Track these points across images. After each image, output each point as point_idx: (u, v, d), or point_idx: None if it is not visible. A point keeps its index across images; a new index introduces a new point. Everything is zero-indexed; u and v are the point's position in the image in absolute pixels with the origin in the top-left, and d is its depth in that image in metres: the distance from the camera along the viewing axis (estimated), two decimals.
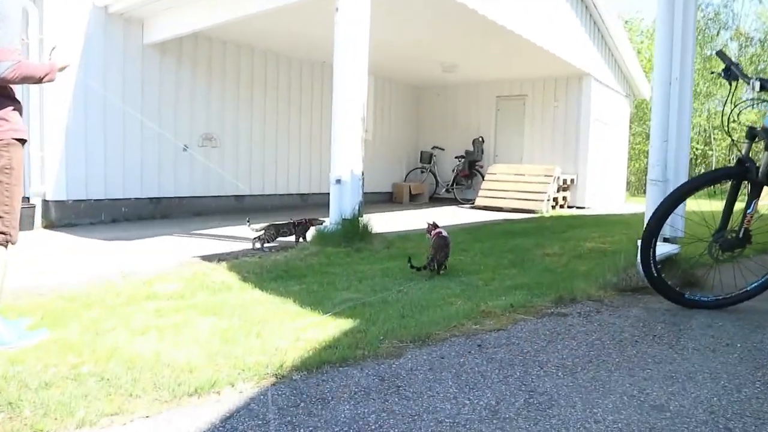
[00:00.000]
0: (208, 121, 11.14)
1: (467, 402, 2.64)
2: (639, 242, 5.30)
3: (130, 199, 10.10)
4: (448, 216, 11.38)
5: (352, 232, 7.15)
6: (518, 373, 3.00)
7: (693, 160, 26.36)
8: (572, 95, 13.52)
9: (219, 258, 6.57)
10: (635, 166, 24.48)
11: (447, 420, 2.46)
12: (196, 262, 6.31)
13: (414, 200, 15.06)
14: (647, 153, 25.76)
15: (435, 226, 6.16)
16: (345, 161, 7.35)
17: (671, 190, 4.83)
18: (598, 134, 13.86)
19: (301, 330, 3.76)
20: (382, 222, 9.13)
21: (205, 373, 2.96)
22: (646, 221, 5.23)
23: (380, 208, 12.62)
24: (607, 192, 14.92)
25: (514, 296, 4.75)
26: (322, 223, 7.48)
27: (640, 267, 4.30)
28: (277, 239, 7.27)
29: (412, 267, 5.63)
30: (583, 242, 8.02)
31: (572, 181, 13.59)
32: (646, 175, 27.88)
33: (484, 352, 3.33)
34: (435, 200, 15.38)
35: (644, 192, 25.75)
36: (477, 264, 6.38)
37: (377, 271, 5.95)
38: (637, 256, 5.36)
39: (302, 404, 2.62)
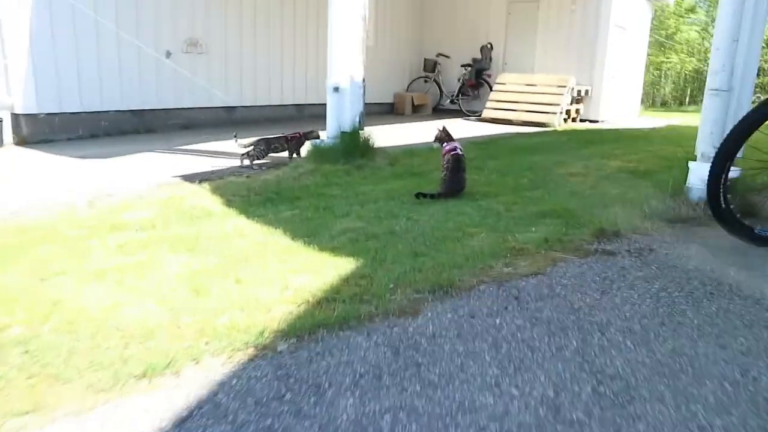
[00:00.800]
0: (192, 24, 9.98)
1: (515, 392, 1.91)
2: (691, 164, 4.50)
3: (109, 111, 9.12)
4: (455, 129, 10.42)
5: (352, 147, 6.30)
6: (575, 343, 2.26)
7: (760, 70, 25.16)
8: None
9: (202, 178, 5.74)
10: (646, 79, 23.11)
11: (492, 425, 1.73)
12: (176, 183, 5.49)
13: (417, 111, 14.05)
14: (658, 64, 24.34)
15: (447, 135, 5.30)
16: (343, 66, 6.38)
17: (735, 102, 3.96)
18: (616, 42, 12.69)
19: (291, 273, 3.00)
20: (384, 135, 8.25)
21: (163, 343, 2.21)
22: (701, 138, 4.38)
23: (381, 120, 11.67)
24: (621, 105, 13.90)
25: (546, 227, 3.98)
26: (318, 137, 6.61)
27: (706, 195, 3.48)
28: (269, 155, 6.43)
29: (422, 196, 4.83)
30: (607, 160, 7.18)
31: (587, 92, 12.55)
32: (655, 88, 26.58)
33: (524, 309, 2.58)
34: (439, 112, 14.35)
35: (656, 105, 24.57)
36: (494, 185, 5.57)
37: (381, 193, 5.16)
38: (687, 180, 4.57)
39: (288, 394, 1.89)
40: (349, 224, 4.08)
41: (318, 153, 6.27)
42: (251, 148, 6.32)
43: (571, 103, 12.05)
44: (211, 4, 10.13)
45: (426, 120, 12.43)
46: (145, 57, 9.39)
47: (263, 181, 5.51)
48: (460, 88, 13.69)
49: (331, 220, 4.25)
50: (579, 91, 12.18)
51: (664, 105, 26.20)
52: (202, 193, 5.04)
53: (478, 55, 13.37)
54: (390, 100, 13.96)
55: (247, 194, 5.04)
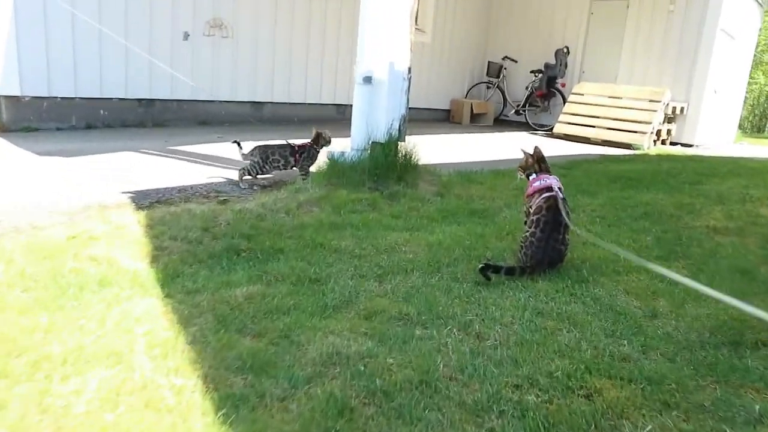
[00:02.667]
0: (217, 1, 7.98)
1: None
2: None
3: (111, 99, 7.19)
4: (521, 145, 8.14)
5: (386, 165, 4.10)
6: None
7: None
8: None
9: (157, 199, 3.67)
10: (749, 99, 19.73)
11: None
12: (112, 206, 3.43)
13: (476, 121, 11.74)
14: None
15: (540, 162, 3.09)
16: (380, 47, 4.20)
17: None
18: (721, 51, 10.11)
19: None
20: (433, 149, 6.03)
21: None
22: None
23: (432, 128, 9.42)
24: (718, 128, 11.24)
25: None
26: (329, 141, 4.45)
27: None
28: (272, 170, 4.32)
29: (487, 272, 2.60)
30: (752, 205, 4.76)
31: (682, 110, 10.02)
32: (757, 111, 23.06)
33: None
34: (501, 123, 11.98)
35: (758, 131, 21.27)
36: (600, 240, 3.29)
37: (419, 251, 2.95)
38: None
39: None
40: (338, 340, 1.92)
41: (334, 171, 4.09)
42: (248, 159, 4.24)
43: (663, 122, 9.52)
44: None
45: (487, 132, 10.10)
46: (158, 38, 7.43)
47: (239, 212, 3.37)
48: (527, 97, 11.26)
49: (311, 318, 2.09)
50: (674, 108, 9.63)
51: (740, 128, 22.94)
52: (130, 231, 2.94)
53: (551, 61, 10.92)
54: (445, 106, 11.67)
55: (198, 238, 2.92)
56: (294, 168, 4.37)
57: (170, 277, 2.44)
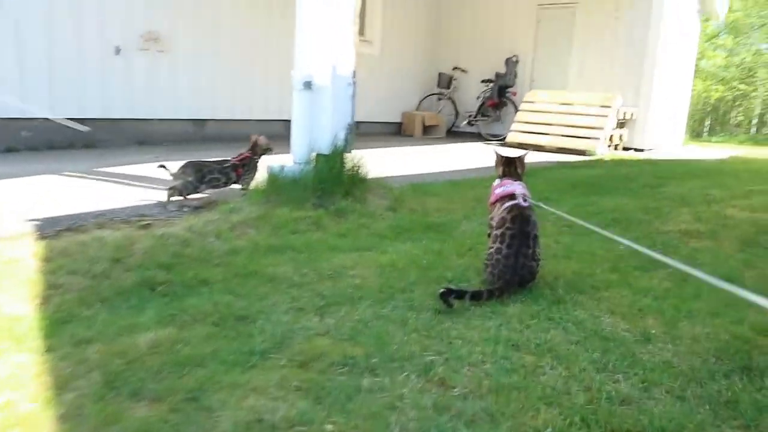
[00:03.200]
0: (151, 14, 7.42)
1: None
2: None
3: (35, 119, 6.55)
4: (475, 155, 7.81)
5: (332, 179, 3.66)
6: None
7: (731, 100, 22.40)
8: (641, 3, 9.64)
9: (66, 227, 3.13)
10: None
11: None
12: (9, 236, 2.87)
13: (428, 134, 11.43)
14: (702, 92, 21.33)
15: (506, 165, 2.74)
16: (321, 50, 3.77)
17: None
18: (665, 58, 10.10)
19: None
20: (384, 162, 5.63)
21: None
22: None
23: (384, 142, 9.03)
24: (667, 132, 11.23)
25: None
26: (270, 149, 3.98)
27: None
28: (208, 189, 3.82)
29: (449, 297, 2.17)
30: (715, 205, 4.51)
31: (632, 115, 9.94)
32: (696, 117, 23.52)
33: None
34: (454, 134, 11.68)
35: (697, 135, 21.74)
36: (576, 256, 2.92)
37: (370, 275, 2.52)
38: None
39: None
40: (262, 401, 1.46)
41: (273, 187, 3.62)
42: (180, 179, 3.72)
43: (615, 128, 9.40)
44: None
45: (440, 143, 9.79)
46: (88, 52, 6.83)
47: (160, 237, 2.87)
48: (479, 107, 11.03)
49: (230, 370, 1.62)
50: (625, 114, 9.53)
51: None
52: (23, 266, 2.41)
53: (502, 70, 10.74)
54: (396, 119, 11.32)
55: (105, 271, 2.41)
56: (235, 184, 3.88)
57: (59, 323, 1.94)
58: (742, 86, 21.40)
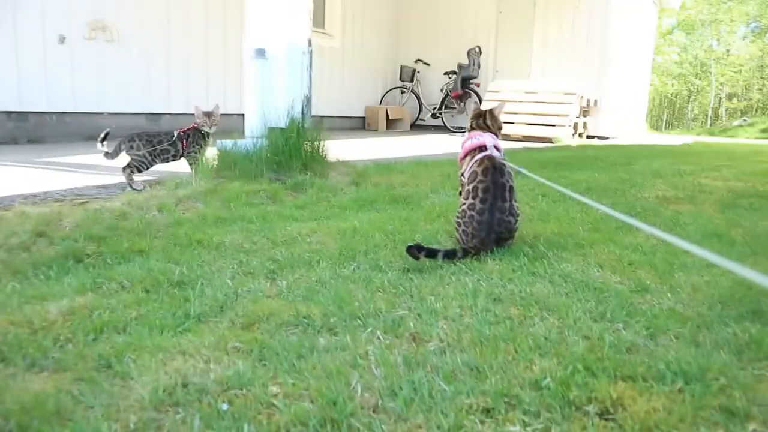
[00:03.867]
0: (98, 1, 7.00)
1: None
2: None
3: None
4: (443, 146, 7.61)
5: (288, 151, 3.36)
6: None
7: (687, 96, 22.84)
8: None
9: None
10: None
11: None
12: None
13: (392, 127, 11.19)
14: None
15: (485, 118, 2.48)
16: (274, 17, 3.48)
17: None
18: (625, 46, 10.10)
19: None
20: (347, 150, 5.36)
21: None
22: None
23: (347, 135, 8.75)
24: (629, 120, 11.25)
25: None
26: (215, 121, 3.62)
27: None
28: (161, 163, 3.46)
29: (422, 253, 1.92)
30: (688, 177, 4.37)
31: (595, 102, 9.90)
32: (654, 113, 23.92)
33: None
34: (419, 128, 11.49)
35: (659, 129, 22.08)
36: (554, 219, 2.69)
37: (329, 240, 2.23)
38: None
39: None
40: (191, 363, 1.16)
41: (225, 162, 3.31)
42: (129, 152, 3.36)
43: (579, 116, 9.33)
44: None
45: (404, 136, 9.56)
46: (27, 42, 6.37)
47: (94, 212, 2.53)
48: (443, 99, 10.84)
49: (157, 334, 1.32)
50: (588, 101, 9.47)
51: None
52: None
53: (464, 61, 10.58)
54: (360, 113, 11.06)
55: (24, 243, 2.07)
56: (183, 157, 3.52)
57: None
58: (696, 81, 21.83)
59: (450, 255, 1.98)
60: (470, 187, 2.20)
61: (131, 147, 3.39)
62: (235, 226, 2.46)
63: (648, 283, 1.78)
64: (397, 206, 3.04)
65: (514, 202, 2.18)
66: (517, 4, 10.52)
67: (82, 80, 6.78)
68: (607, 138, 9.82)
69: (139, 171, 3.37)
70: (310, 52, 3.67)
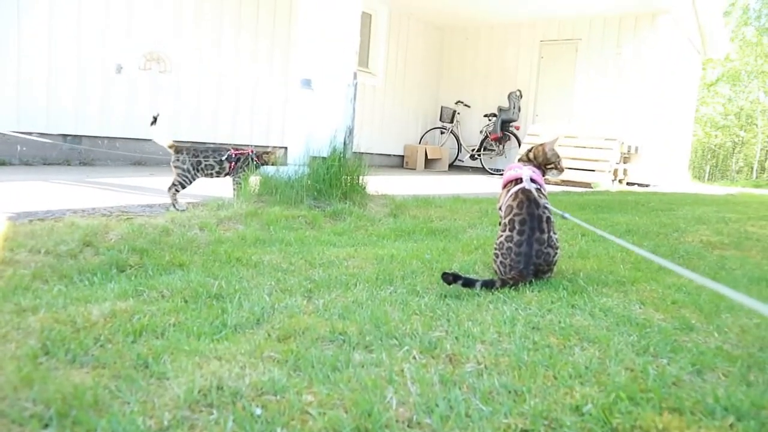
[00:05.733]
0: (154, 32, 7.33)
1: None
2: None
3: (30, 133, 6.36)
4: (481, 185, 7.61)
5: (329, 180, 3.40)
6: None
7: (732, 148, 22.40)
8: (642, 39, 9.63)
9: (41, 219, 2.86)
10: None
11: None
12: None
13: (430, 167, 11.26)
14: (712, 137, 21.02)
15: (528, 152, 2.51)
16: (321, 49, 3.58)
17: None
18: (668, 95, 10.03)
19: None
20: (387, 186, 5.39)
21: None
22: None
23: (387, 172, 8.82)
24: (671, 168, 11.08)
25: None
26: (276, 162, 3.69)
27: None
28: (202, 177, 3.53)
29: (458, 281, 1.89)
30: (733, 224, 4.24)
31: (636, 149, 9.79)
32: (695, 164, 23.45)
33: None
34: (457, 168, 11.52)
35: (706, 178, 21.62)
36: (593, 256, 2.63)
37: (366, 266, 2.23)
38: None
39: None
40: (226, 368, 1.16)
41: (266, 187, 3.36)
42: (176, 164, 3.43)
43: (619, 162, 9.22)
44: (183, 10, 7.47)
45: (442, 175, 9.60)
46: (88, 70, 6.67)
47: (139, 226, 2.59)
48: (482, 141, 10.88)
49: (194, 339, 1.33)
50: (629, 148, 9.36)
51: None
52: None
53: (505, 104, 10.65)
54: (399, 152, 11.17)
55: (72, 251, 2.13)
56: (227, 176, 3.57)
57: (5, 293, 1.65)
58: (741, 133, 21.41)
59: (488, 285, 1.95)
60: (506, 220, 2.18)
61: (177, 159, 3.45)
62: (274, 248, 2.49)
63: (693, 321, 1.71)
64: (434, 238, 3.03)
65: (553, 234, 2.15)
66: (558, 50, 10.59)
67: (135, 108, 7.06)
68: (647, 185, 9.66)
69: (183, 187, 3.41)
70: (355, 85, 3.74)
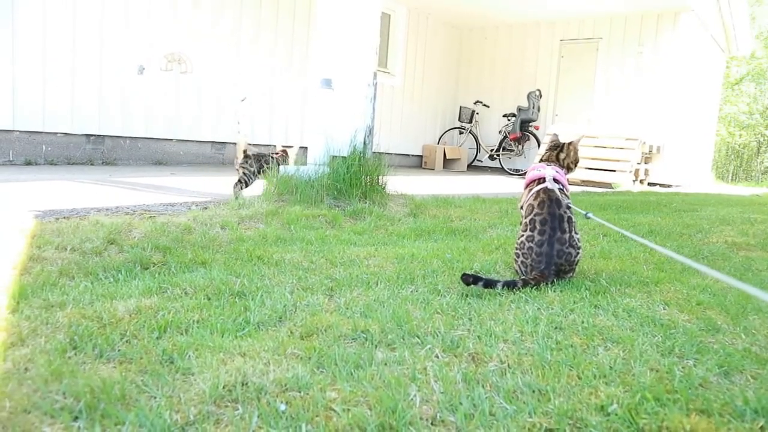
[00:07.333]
0: (175, 33, 7.41)
1: None
2: None
3: (55, 134, 6.46)
4: (500, 185, 7.57)
5: (349, 180, 3.41)
6: None
7: (757, 147, 21.99)
8: (664, 38, 9.52)
9: (66, 217, 2.91)
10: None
11: None
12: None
13: (449, 167, 11.24)
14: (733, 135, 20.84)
15: (551, 149, 2.51)
16: (341, 48, 3.59)
17: None
18: (691, 93, 9.89)
19: None
20: (406, 186, 5.39)
21: None
22: None
23: (406, 173, 8.82)
24: (693, 169, 10.93)
25: None
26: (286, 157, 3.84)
27: None
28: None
29: (478, 283, 1.87)
30: (759, 225, 4.16)
31: (658, 149, 9.67)
32: (719, 164, 23.09)
33: None
34: (475, 169, 11.48)
35: (729, 178, 21.28)
36: (615, 256, 2.60)
37: (386, 264, 2.23)
38: None
39: None
40: (251, 364, 1.17)
41: (286, 187, 3.38)
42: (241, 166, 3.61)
43: (641, 162, 9.10)
44: (203, 8, 7.53)
45: (461, 175, 9.56)
46: (110, 71, 6.76)
47: (162, 225, 2.63)
48: (501, 141, 10.82)
49: (218, 336, 1.34)
50: (650, 148, 9.24)
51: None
52: (7, 239, 2.17)
53: (524, 104, 10.58)
54: (417, 152, 11.15)
55: (97, 248, 2.16)
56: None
57: (34, 289, 1.68)
58: (767, 132, 21.01)
59: (510, 285, 1.93)
60: (527, 219, 2.17)
61: (246, 162, 3.67)
62: (295, 246, 2.50)
63: (719, 323, 1.68)
64: (454, 237, 3.02)
65: (574, 234, 2.13)
66: (579, 49, 10.49)
67: (156, 108, 7.14)
68: (669, 186, 9.53)
69: (246, 186, 3.67)
70: (375, 85, 3.75)
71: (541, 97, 10.61)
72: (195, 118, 7.57)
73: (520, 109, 10.61)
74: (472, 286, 1.86)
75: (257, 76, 8.25)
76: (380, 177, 3.65)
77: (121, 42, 6.70)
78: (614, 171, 8.54)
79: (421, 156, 11.14)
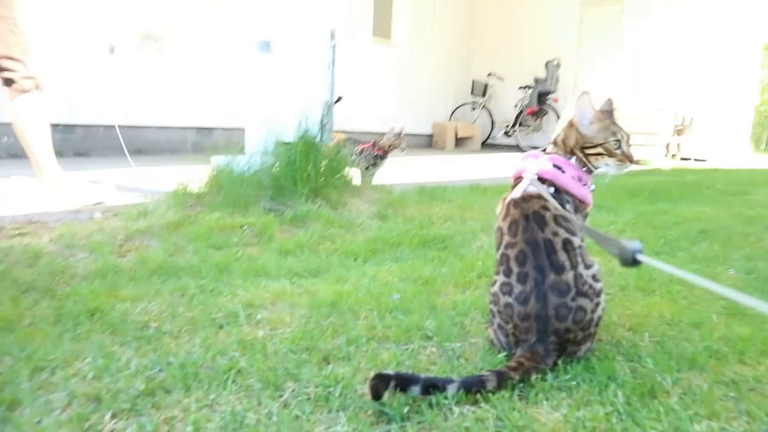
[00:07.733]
0: (148, 5, 6.51)
1: None
2: None
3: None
4: (510, 167, 6.59)
5: (293, 173, 2.51)
6: None
7: None
8: None
9: None
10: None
11: None
12: None
13: (461, 146, 10.21)
14: None
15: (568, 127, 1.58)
16: (285, 2, 2.66)
17: None
18: (726, 58, 8.66)
19: None
20: (401, 171, 4.46)
21: None
22: None
23: (411, 154, 7.85)
24: (729, 141, 9.71)
25: None
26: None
27: None
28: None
29: (381, 388, 0.96)
30: None
31: (691, 120, 8.51)
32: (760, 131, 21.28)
33: None
34: (490, 147, 10.41)
35: (762, 147, 19.67)
36: (653, 286, 1.68)
37: (293, 320, 1.34)
38: None
39: None
40: None
41: (213, 185, 2.50)
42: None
43: (673, 134, 7.98)
44: None
45: (472, 155, 8.57)
46: (78, 52, 5.92)
47: (5, 249, 1.78)
48: (517, 116, 9.72)
49: None
50: (682, 119, 8.10)
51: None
52: None
53: (542, 74, 9.45)
54: (427, 131, 10.14)
55: None
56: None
57: None
58: None
59: (470, 386, 1.02)
60: (498, 254, 1.25)
61: (360, 153, 3.38)
62: (170, 284, 1.62)
63: None
64: (426, 252, 2.11)
65: (583, 269, 1.20)
66: (601, 12, 9.30)
67: (131, 92, 6.28)
68: (704, 160, 8.38)
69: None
70: (333, 47, 2.82)
71: (560, 66, 9.47)
72: (176, 101, 6.70)
73: (537, 81, 9.50)
74: (393, 394, 0.96)
75: (198, 46, 7.07)
76: (341, 166, 2.74)
77: (88, 19, 5.84)
78: (643, 145, 7.45)
79: (432, 135, 10.15)
